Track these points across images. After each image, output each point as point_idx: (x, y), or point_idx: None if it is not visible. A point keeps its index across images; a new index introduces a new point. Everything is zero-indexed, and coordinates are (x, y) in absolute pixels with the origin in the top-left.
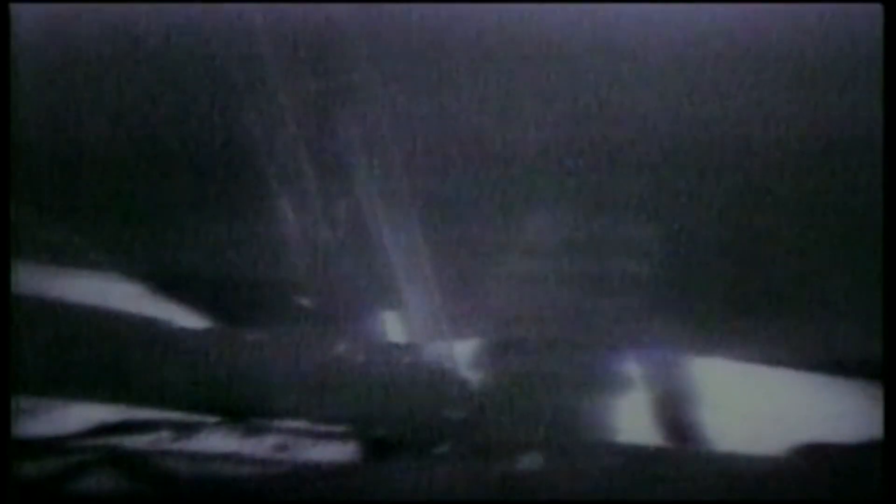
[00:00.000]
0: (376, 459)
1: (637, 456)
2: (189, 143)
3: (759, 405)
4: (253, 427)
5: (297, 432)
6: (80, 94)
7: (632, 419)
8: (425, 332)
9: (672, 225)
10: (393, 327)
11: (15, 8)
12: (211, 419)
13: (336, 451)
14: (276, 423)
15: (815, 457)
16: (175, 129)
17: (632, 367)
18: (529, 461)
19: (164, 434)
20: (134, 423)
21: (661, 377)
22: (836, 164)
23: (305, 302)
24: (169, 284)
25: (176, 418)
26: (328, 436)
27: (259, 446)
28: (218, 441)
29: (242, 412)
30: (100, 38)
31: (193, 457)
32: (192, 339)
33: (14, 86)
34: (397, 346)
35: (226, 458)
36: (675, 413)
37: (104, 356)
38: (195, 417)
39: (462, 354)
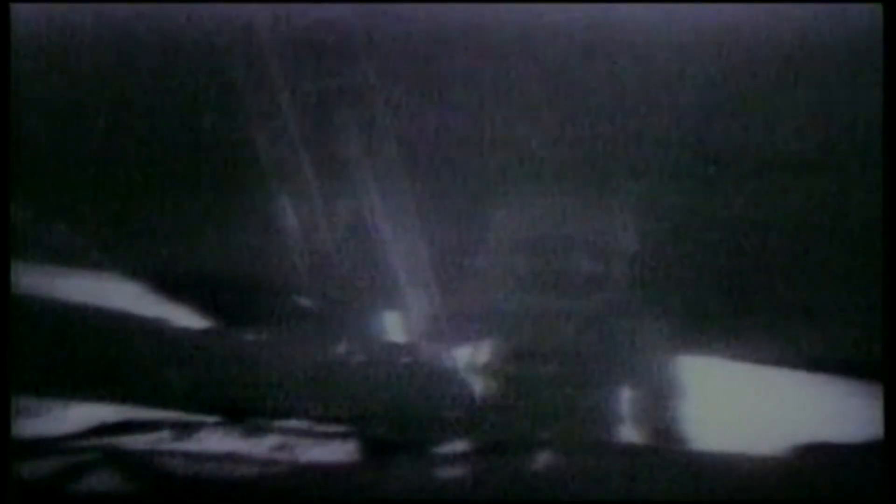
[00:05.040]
0: (376, 459)
1: (637, 456)
2: (189, 143)
3: (759, 405)
4: (253, 427)
5: (297, 432)
6: (80, 94)
7: (631, 419)
8: (425, 332)
9: (672, 225)
10: (393, 327)
11: (15, 8)
12: (211, 419)
13: (336, 451)
14: (276, 423)
15: (815, 457)
16: (175, 129)
17: (632, 367)
18: (529, 461)
19: (164, 434)
20: (134, 423)
21: (661, 377)
22: (836, 164)
23: (305, 302)
24: (169, 284)
25: (176, 418)
26: (328, 436)
27: (259, 446)
28: (218, 441)
29: (242, 412)
30: (100, 38)
31: (193, 457)
32: (192, 339)
33: (14, 86)
34: (397, 346)
35: (226, 458)
36: (675, 413)
37: (104, 356)
38: (195, 417)
39: (462, 355)
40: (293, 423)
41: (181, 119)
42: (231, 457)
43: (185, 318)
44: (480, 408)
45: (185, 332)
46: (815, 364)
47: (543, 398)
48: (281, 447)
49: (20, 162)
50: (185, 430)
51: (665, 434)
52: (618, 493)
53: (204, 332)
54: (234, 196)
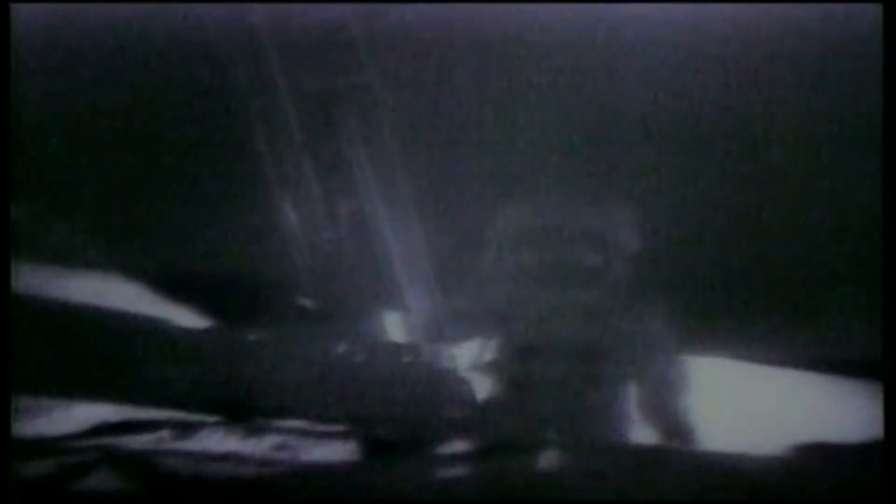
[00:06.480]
0: (376, 459)
1: (636, 456)
2: (190, 143)
3: (759, 405)
4: (253, 427)
5: (297, 432)
6: (80, 94)
7: (632, 419)
8: (425, 332)
9: (672, 224)
10: (393, 327)
11: (15, 8)
12: (211, 419)
13: (336, 451)
14: (276, 423)
15: (815, 457)
16: (176, 129)
17: (632, 366)
18: (529, 461)
19: (164, 434)
20: (134, 423)
21: (661, 377)
22: (836, 164)
23: (305, 302)
24: (169, 284)
25: (176, 418)
26: (328, 436)
27: (259, 446)
28: (218, 441)
29: (242, 412)
30: (100, 38)
31: (193, 457)
32: (192, 339)
33: (14, 86)
34: (397, 346)
35: (226, 458)
36: (675, 413)
37: (104, 356)
38: (195, 417)
39: (463, 353)
40: (293, 423)
41: (181, 119)
42: (231, 457)
43: (185, 318)
44: (482, 407)
45: (185, 332)
46: (815, 364)
47: (546, 397)
48: (281, 447)
49: (20, 162)
50: (185, 430)
51: (666, 433)
52: (618, 492)
53: (204, 332)
54: (235, 196)
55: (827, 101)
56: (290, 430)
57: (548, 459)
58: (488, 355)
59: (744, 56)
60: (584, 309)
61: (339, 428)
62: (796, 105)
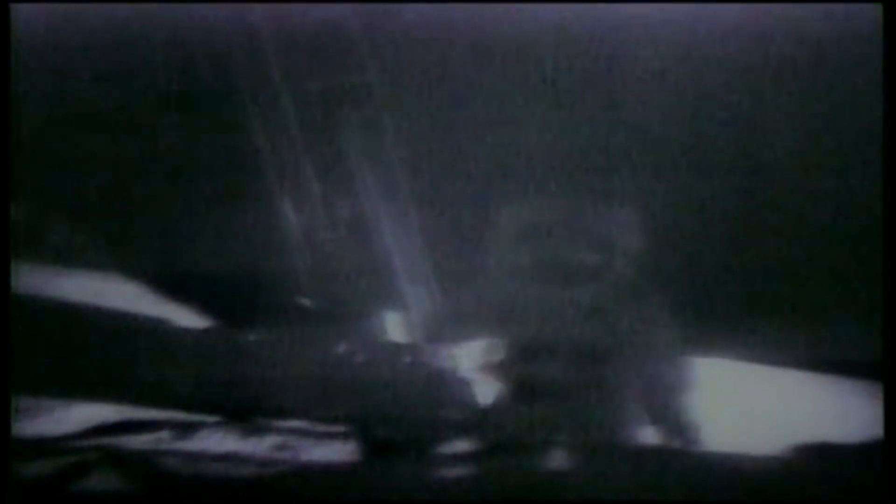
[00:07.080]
0: (376, 459)
1: (636, 456)
2: (190, 144)
3: (759, 405)
4: (253, 427)
5: (297, 432)
6: (80, 94)
7: (632, 419)
8: (425, 332)
9: (673, 225)
10: (393, 327)
11: (15, 8)
12: (211, 419)
13: (336, 451)
14: (276, 423)
15: (815, 457)
16: (175, 129)
17: (633, 366)
18: (530, 461)
19: (164, 434)
20: (134, 423)
21: (662, 377)
22: (835, 164)
23: (305, 302)
24: (169, 284)
25: (176, 418)
26: (328, 436)
27: (259, 446)
28: (218, 441)
29: (242, 412)
30: (101, 38)
31: (193, 457)
32: (192, 339)
33: (14, 86)
34: (397, 346)
35: (226, 458)
36: (675, 413)
37: (104, 356)
38: (195, 417)
39: (464, 353)
40: (293, 423)
41: (181, 119)
42: (231, 457)
43: (185, 318)
44: (483, 407)
45: (186, 332)
46: (815, 364)
47: (546, 397)
48: (281, 447)
49: (20, 162)
50: (185, 430)
51: (667, 433)
52: (617, 493)
53: (204, 332)
54: (235, 196)
55: (827, 101)
56: (290, 430)
57: (549, 460)
58: (488, 355)
59: (744, 56)
60: (585, 308)
61: (339, 428)
62: (796, 105)
